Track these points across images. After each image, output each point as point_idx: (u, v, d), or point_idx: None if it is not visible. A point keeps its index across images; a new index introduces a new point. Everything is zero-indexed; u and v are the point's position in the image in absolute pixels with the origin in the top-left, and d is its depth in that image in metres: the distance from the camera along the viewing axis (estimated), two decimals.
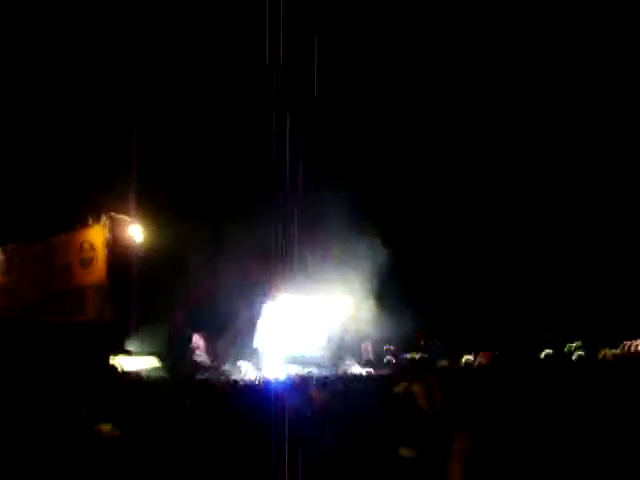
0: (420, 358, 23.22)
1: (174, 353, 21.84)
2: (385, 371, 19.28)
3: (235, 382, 17.31)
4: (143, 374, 17.90)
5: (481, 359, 23.22)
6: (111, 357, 17.47)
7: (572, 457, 8.46)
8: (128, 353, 19.54)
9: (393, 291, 25.53)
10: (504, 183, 27.42)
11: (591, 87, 25.52)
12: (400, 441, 9.47)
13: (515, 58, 26.37)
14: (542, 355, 23.68)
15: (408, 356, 24.84)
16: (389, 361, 23.07)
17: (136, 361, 19.45)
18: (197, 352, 22.86)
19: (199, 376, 18.05)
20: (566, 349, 24.52)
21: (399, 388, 10.48)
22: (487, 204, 27.39)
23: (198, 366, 21.70)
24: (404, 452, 9.43)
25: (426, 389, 10.11)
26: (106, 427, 9.40)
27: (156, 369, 19.80)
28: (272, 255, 24.07)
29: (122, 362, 18.12)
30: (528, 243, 27.21)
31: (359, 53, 25.86)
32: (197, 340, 23.07)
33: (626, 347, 21.34)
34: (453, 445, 8.08)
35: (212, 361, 22.51)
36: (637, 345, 21.29)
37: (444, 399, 9.64)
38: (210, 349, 23.02)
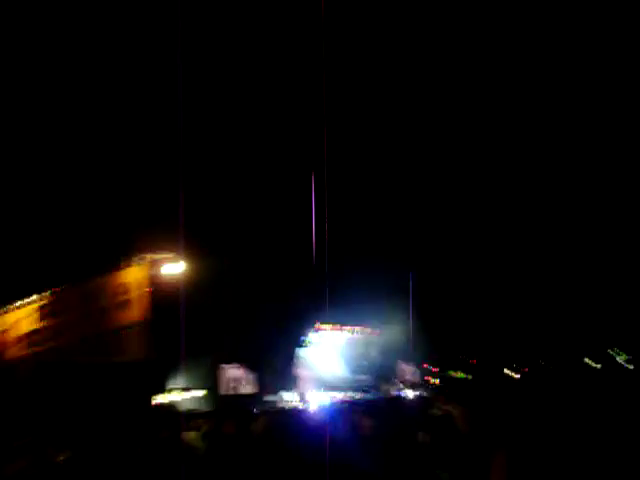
0: (458, 380, 23.14)
1: (219, 385, 22.01)
2: (425, 392, 19.22)
3: (280, 411, 17.41)
4: (183, 406, 18.06)
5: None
6: (155, 396, 17.66)
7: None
8: (174, 390, 19.74)
9: (433, 313, 25.59)
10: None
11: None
12: (439, 465, 9.52)
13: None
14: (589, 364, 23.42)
15: (453, 375, 24.82)
16: (427, 382, 22.96)
17: (181, 395, 19.65)
18: (241, 383, 22.99)
19: (244, 406, 18.22)
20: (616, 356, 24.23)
21: (437, 410, 10.48)
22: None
23: (242, 397, 21.85)
24: (443, 476, 9.47)
25: (465, 411, 10.09)
26: None
27: (199, 400, 19.96)
28: (312, 286, 24.26)
29: (167, 399, 18.31)
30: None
31: None
32: (240, 371, 23.20)
33: None
34: (493, 463, 8.14)
35: (256, 391, 22.62)
36: None
37: (483, 420, 9.62)
38: (254, 380, 23.13)
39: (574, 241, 26.32)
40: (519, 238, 26.85)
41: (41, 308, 21.06)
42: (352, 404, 16.64)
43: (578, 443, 9.08)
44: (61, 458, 10.73)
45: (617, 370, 22.54)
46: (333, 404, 17.57)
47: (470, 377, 23.88)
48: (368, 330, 26.49)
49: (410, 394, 21.28)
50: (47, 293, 21.01)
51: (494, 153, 27.07)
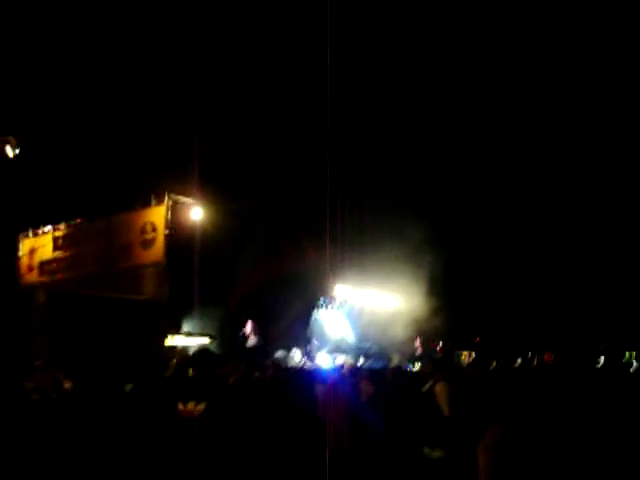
0: (444, 358, 23.22)
1: (226, 336, 22.12)
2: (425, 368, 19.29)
3: (286, 368, 17.51)
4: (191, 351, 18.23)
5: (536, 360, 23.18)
6: (167, 337, 17.82)
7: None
8: (184, 333, 19.90)
9: (449, 288, 25.57)
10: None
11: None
12: (425, 441, 9.60)
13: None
14: (599, 363, 23.39)
15: (457, 354, 24.89)
16: (432, 358, 23.10)
17: (188, 340, 19.81)
18: (250, 337, 23.09)
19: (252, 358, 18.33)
20: (626, 358, 24.18)
21: (425, 387, 10.59)
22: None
23: (250, 351, 21.95)
24: (428, 452, 9.57)
25: (449, 389, 10.14)
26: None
27: (206, 347, 20.13)
28: (330, 246, 24.22)
29: (176, 341, 18.48)
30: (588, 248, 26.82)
31: None
32: (250, 325, 23.30)
33: None
34: (483, 439, 8.16)
35: (264, 347, 22.73)
36: None
37: (472, 400, 9.65)
38: (263, 335, 23.24)
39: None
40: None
41: (57, 239, 21.12)
42: (357, 369, 16.74)
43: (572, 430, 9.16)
44: (67, 386, 10.84)
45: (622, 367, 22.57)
46: (340, 367, 17.64)
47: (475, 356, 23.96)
48: (384, 298, 26.49)
49: (413, 368, 21.37)
50: (64, 225, 21.05)
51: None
